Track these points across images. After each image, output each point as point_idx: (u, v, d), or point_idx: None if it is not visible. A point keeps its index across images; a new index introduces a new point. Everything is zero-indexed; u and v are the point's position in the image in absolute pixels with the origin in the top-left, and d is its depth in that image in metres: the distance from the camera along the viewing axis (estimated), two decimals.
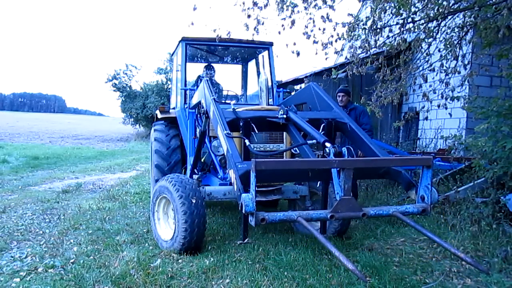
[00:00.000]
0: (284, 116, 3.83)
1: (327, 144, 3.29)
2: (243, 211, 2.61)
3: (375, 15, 5.77)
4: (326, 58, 6.36)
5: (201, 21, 6.37)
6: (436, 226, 4.73)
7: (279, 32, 5.99)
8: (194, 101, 4.84)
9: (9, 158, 12.93)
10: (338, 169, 2.91)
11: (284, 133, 4.32)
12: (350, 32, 5.97)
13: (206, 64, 6.61)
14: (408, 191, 3.24)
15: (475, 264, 2.64)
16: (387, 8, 5.67)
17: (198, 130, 4.93)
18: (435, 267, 3.70)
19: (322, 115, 3.99)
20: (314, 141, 3.53)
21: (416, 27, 5.95)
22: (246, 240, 3.65)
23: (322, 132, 3.75)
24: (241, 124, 3.71)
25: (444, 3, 5.52)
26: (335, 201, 2.83)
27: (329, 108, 4.13)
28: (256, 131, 3.73)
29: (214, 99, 3.91)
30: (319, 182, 4.45)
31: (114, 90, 27.14)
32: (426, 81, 6.50)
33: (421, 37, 6.09)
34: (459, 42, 5.92)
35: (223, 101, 6.51)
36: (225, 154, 3.34)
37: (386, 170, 3.34)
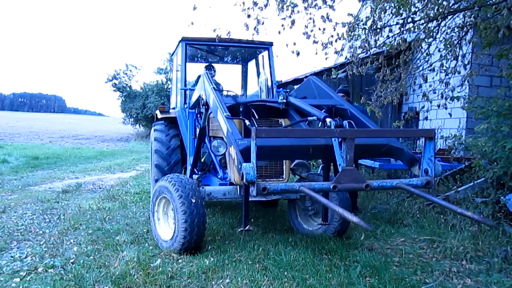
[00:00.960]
0: (284, 101, 3.83)
1: (328, 119, 3.28)
2: (244, 180, 2.55)
3: (375, 15, 5.77)
4: (326, 58, 6.37)
5: (201, 21, 6.37)
6: (436, 226, 4.73)
7: (279, 32, 5.99)
8: (194, 97, 4.82)
9: (9, 158, 12.92)
10: (339, 140, 2.87)
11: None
12: (350, 32, 5.97)
13: (206, 64, 6.60)
14: (411, 168, 3.19)
15: (483, 220, 2.56)
16: (387, 8, 5.67)
17: (198, 130, 4.92)
18: (435, 267, 3.70)
19: (322, 102, 3.99)
20: (315, 117, 3.51)
21: (416, 27, 5.95)
22: (247, 227, 3.65)
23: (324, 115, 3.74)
24: (241, 109, 3.72)
25: (444, 3, 5.52)
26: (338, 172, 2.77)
27: (329, 97, 4.14)
28: (256, 117, 3.74)
29: (213, 87, 3.91)
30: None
31: (114, 90, 27.13)
32: (426, 81, 6.50)
33: (421, 37, 6.09)
34: (459, 42, 5.92)
35: None
36: (225, 134, 3.27)
37: (388, 148, 3.26)
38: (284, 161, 4.39)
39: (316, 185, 2.72)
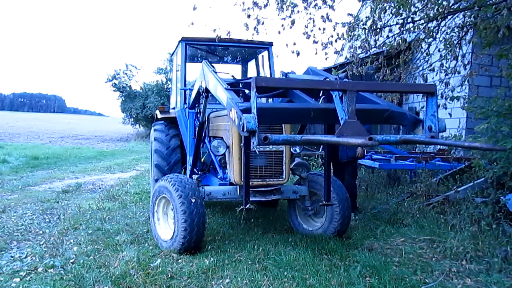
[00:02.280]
0: (284, 77, 3.84)
1: (328, 78, 3.28)
2: (244, 130, 2.54)
3: (375, 15, 5.77)
4: (326, 58, 6.36)
5: (201, 21, 6.37)
6: (436, 226, 4.73)
7: (279, 32, 5.99)
8: (194, 91, 4.78)
9: (9, 158, 12.91)
10: (340, 94, 2.84)
11: (284, 132, 4.31)
12: (350, 32, 5.97)
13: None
14: (415, 130, 3.14)
15: (492, 147, 2.49)
16: (387, 8, 5.67)
17: (197, 129, 4.92)
18: (435, 267, 3.70)
19: (321, 74, 3.99)
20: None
21: (416, 27, 5.95)
22: (247, 206, 3.65)
23: (322, 97, 3.75)
24: (240, 86, 3.72)
25: (444, 3, 5.52)
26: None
27: None
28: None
29: (213, 70, 3.92)
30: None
31: (114, 90, 27.12)
32: (426, 81, 6.50)
33: (421, 37, 6.09)
34: (459, 42, 5.92)
35: None
36: (226, 102, 3.23)
37: (390, 113, 3.20)
38: (284, 161, 4.38)
39: (318, 137, 2.65)
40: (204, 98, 4.30)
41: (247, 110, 2.75)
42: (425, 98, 2.91)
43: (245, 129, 2.52)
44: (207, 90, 4.07)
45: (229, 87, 3.42)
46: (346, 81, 2.98)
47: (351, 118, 2.63)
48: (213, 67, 4.12)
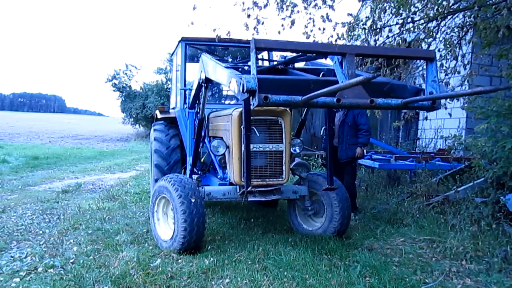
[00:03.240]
0: (283, 59, 3.89)
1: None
2: (244, 89, 2.51)
3: (375, 15, 5.77)
4: (326, 58, 6.37)
5: (201, 21, 6.37)
6: (436, 226, 4.73)
7: (279, 32, 6.00)
8: (194, 85, 4.78)
9: (9, 158, 12.91)
10: (340, 60, 2.83)
11: (284, 132, 4.31)
12: (350, 32, 5.97)
13: None
14: None
15: (495, 88, 2.44)
16: (387, 8, 5.67)
17: (197, 129, 4.91)
18: (435, 267, 3.70)
19: (321, 65, 4.00)
20: (314, 54, 3.55)
21: (416, 27, 5.95)
22: (249, 188, 3.68)
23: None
24: (239, 69, 3.75)
25: (444, 3, 5.52)
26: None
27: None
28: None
29: (212, 57, 3.94)
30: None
31: (114, 90, 27.14)
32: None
33: (421, 37, 6.09)
34: (459, 42, 5.92)
35: (223, 101, 6.52)
36: (226, 79, 3.22)
37: (390, 86, 3.18)
38: (283, 161, 4.38)
39: (320, 99, 2.60)
40: (204, 89, 4.30)
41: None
42: (425, 65, 2.88)
43: (245, 89, 2.50)
44: (207, 80, 4.07)
45: (229, 66, 3.46)
46: (345, 44, 2.96)
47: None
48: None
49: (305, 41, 3.50)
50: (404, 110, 10.60)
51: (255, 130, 4.15)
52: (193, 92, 4.82)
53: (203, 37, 5.96)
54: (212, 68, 3.76)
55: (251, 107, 2.59)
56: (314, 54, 3.44)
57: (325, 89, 2.37)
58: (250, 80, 2.50)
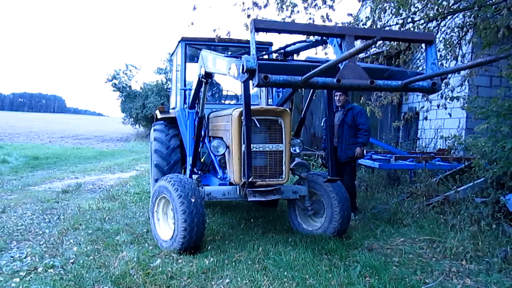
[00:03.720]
0: (283, 51, 3.97)
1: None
2: (244, 69, 2.52)
3: (375, 15, 5.77)
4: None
5: (201, 21, 6.37)
6: (436, 226, 4.73)
7: (279, 32, 5.98)
8: (194, 84, 4.78)
9: (9, 158, 12.91)
10: (339, 43, 2.83)
11: (284, 132, 4.31)
12: None
13: None
14: None
15: (495, 57, 2.42)
16: (387, 8, 5.68)
17: (197, 130, 4.92)
18: (435, 267, 3.70)
19: (321, 60, 4.00)
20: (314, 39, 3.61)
21: (416, 27, 5.95)
22: (251, 179, 3.73)
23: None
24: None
25: (444, 3, 5.53)
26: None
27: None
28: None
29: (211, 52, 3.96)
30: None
31: (114, 90, 27.12)
32: None
33: None
34: (459, 42, 5.93)
35: (223, 101, 6.52)
36: (225, 67, 3.21)
37: (390, 72, 3.14)
38: (283, 161, 4.39)
39: (320, 79, 2.58)
40: (204, 86, 4.29)
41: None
42: (425, 48, 2.86)
43: (245, 69, 2.51)
44: (206, 75, 4.06)
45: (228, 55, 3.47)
46: (345, 26, 2.95)
47: (351, 62, 2.57)
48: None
49: (306, 23, 3.47)
50: (404, 110, 10.63)
51: (256, 121, 4.14)
52: (193, 91, 4.82)
53: (203, 37, 5.97)
54: (212, 60, 3.76)
55: (252, 87, 2.58)
56: (314, 37, 3.39)
57: (325, 64, 2.35)
58: (249, 59, 2.52)
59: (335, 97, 5.67)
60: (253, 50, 2.57)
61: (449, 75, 6.02)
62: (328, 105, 4.32)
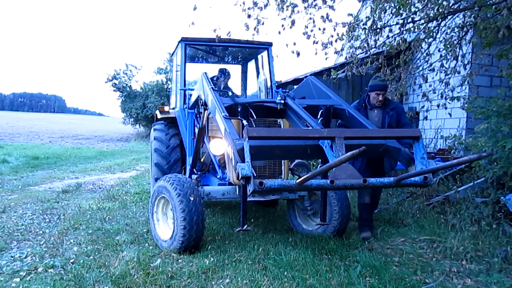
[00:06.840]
0: (282, 101, 3.85)
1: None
2: (240, 177, 2.57)
3: (375, 15, 5.78)
4: (326, 58, 6.38)
5: (201, 21, 6.37)
6: (436, 226, 4.73)
7: (279, 32, 6.00)
8: (193, 98, 4.82)
9: (9, 158, 12.92)
10: (330, 143, 2.92)
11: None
12: (350, 32, 5.97)
13: (220, 67, 6.49)
14: (408, 168, 3.18)
15: (478, 156, 2.45)
16: (387, 8, 5.68)
17: (197, 130, 4.93)
18: (435, 267, 3.69)
19: (320, 102, 3.99)
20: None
21: (416, 27, 5.96)
22: (245, 227, 3.66)
23: (320, 118, 3.78)
24: (239, 109, 3.73)
25: (444, 3, 5.53)
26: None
27: (327, 97, 4.15)
28: (255, 117, 3.77)
29: (212, 88, 3.93)
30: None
31: (114, 90, 27.15)
32: (426, 81, 6.51)
33: (421, 37, 6.09)
34: (459, 42, 5.92)
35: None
36: (223, 134, 3.27)
37: (385, 148, 3.24)
38: (283, 162, 4.39)
39: (314, 182, 2.67)
40: (203, 111, 4.33)
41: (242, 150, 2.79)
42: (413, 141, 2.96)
43: (240, 177, 2.58)
44: (206, 104, 4.10)
45: (227, 115, 3.42)
46: (334, 129, 3.19)
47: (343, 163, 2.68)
48: (210, 81, 4.14)
49: (297, 128, 3.58)
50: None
51: (253, 114, 4.14)
52: (192, 98, 4.83)
53: (203, 37, 5.97)
54: (212, 107, 3.78)
55: (248, 193, 2.69)
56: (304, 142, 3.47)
57: (317, 170, 2.51)
58: (244, 167, 2.58)
59: (376, 96, 4.68)
60: (247, 158, 2.61)
61: (450, 75, 6.03)
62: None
